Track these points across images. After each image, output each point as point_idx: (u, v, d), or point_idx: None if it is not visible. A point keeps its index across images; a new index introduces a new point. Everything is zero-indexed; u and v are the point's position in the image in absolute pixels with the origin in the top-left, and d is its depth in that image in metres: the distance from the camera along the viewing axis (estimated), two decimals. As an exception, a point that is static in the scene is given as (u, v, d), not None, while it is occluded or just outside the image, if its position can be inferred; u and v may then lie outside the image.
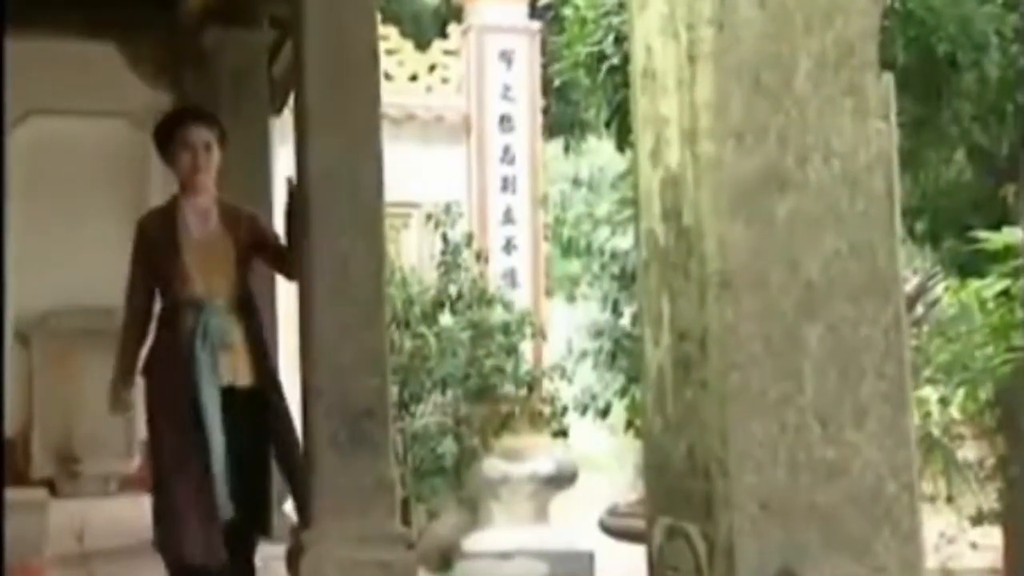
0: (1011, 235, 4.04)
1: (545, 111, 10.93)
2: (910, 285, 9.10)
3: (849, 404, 2.09)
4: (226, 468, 4.16)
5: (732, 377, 2.08)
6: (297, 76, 5.35)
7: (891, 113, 2.19)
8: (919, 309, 9.16)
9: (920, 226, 6.87)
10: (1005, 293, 4.12)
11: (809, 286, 2.13)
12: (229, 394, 4.26)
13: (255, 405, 4.34)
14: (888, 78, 2.19)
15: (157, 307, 4.53)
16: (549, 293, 11.27)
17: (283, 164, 5.86)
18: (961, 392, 5.82)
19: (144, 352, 4.48)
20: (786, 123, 2.15)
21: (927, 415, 8.36)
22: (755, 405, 2.06)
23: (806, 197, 2.16)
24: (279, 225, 4.82)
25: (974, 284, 4.43)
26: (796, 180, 2.14)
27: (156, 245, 4.41)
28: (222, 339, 4.27)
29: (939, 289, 8.59)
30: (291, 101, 5.65)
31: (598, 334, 9.59)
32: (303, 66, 5.50)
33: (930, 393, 8.04)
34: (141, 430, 8.29)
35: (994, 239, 4.10)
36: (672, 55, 2.24)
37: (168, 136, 4.54)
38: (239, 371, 4.33)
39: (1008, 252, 4.04)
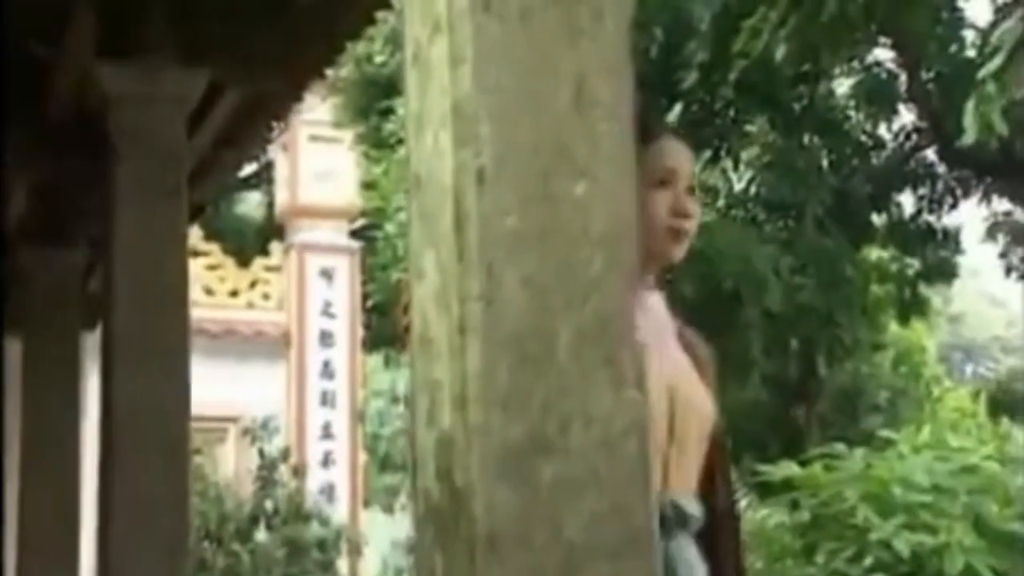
0: (789, 468, 4.27)
1: (366, 326, 11.09)
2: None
3: (607, 662, 2.19)
4: None
5: (498, 637, 2.16)
6: (105, 301, 5.35)
7: (644, 382, 2.36)
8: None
9: (720, 446, 7.16)
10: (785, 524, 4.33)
11: (571, 547, 2.25)
12: None
13: None
14: (642, 349, 2.37)
15: None
16: (367, 504, 11.22)
17: (95, 381, 5.82)
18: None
19: None
20: (548, 391, 2.30)
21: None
22: (519, 664, 2.15)
23: (568, 461, 2.29)
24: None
25: (760, 512, 4.64)
26: (559, 445, 2.28)
27: None
28: None
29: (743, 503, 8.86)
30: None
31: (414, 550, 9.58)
32: (111, 291, 5.50)
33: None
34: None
35: (774, 472, 4.32)
36: (444, 325, 2.38)
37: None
38: None
39: (785, 485, 4.27)
